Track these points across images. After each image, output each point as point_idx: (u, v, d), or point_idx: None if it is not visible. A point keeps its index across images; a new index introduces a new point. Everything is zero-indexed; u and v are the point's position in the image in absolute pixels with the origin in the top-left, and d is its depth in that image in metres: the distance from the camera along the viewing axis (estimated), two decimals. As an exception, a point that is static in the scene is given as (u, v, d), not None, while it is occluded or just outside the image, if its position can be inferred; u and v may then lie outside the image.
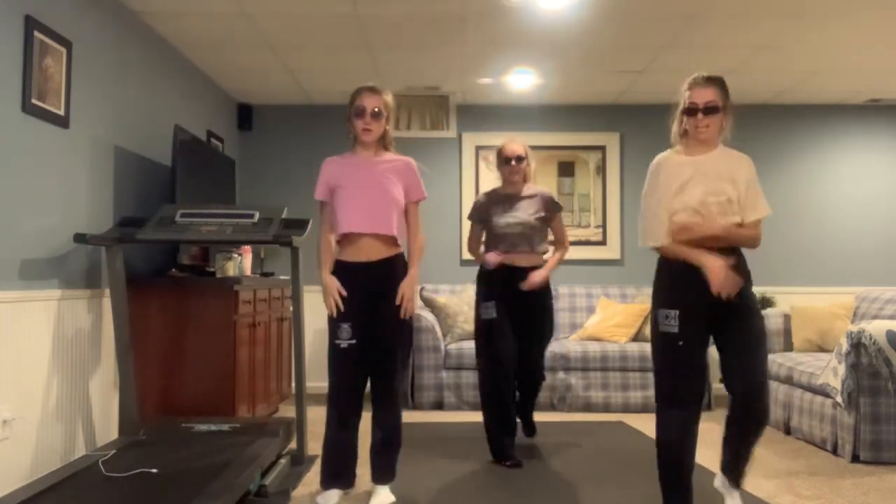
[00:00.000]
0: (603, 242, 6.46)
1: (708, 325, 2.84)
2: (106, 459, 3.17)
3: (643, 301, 5.75)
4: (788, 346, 5.11)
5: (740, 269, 2.84)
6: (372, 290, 3.13)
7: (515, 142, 4.03)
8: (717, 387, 3.46)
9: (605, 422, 5.04)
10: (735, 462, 2.93)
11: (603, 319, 5.79)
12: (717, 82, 2.84)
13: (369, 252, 3.14)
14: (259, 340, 4.65)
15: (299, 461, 3.74)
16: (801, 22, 4.47)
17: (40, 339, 3.36)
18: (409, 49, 5.03)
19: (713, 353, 2.98)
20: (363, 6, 4.24)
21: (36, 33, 3.31)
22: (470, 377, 5.41)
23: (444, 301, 5.75)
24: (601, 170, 6.50)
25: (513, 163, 3.98)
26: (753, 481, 3.54)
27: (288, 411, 5.10)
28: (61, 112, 3.54)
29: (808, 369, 4.41)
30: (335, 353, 3.13)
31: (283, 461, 3.68)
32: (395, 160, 3.24)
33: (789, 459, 4.00)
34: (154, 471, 3.00)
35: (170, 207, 3.85)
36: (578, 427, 4.82)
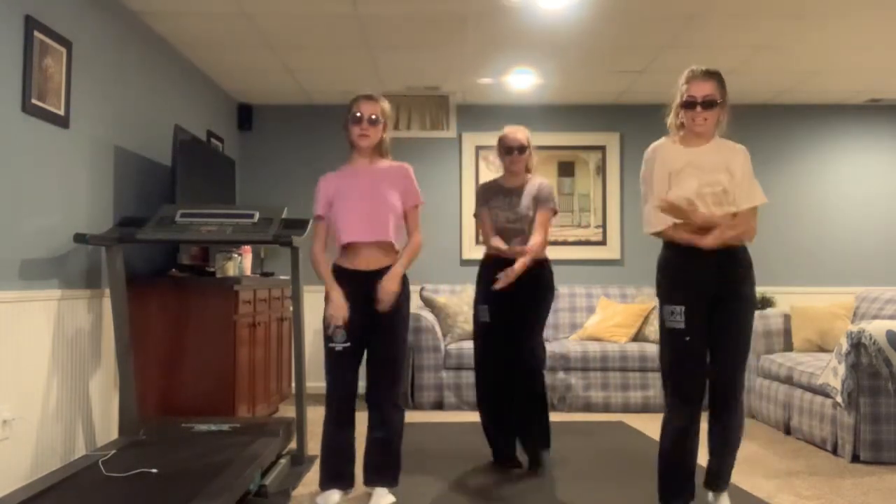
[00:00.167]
0: (603, 242, 6.46)
1: (707, 316, 2.86)
2: (106, 459, 3.17)
3: (643, 301, 5.75)
4: (788, 346, 5.11)
5: (742, 259, 2.86)
6: (369, 297, 3.14)
7: (518, 130, 3.84)
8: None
9: (605, 422, 5.04)
10: (719, 465, 2.93)
11: (603, 319, 5.79)
12: (715, 76, 2.86)
13: (369, 261, 3.16)
14: (259, 340, 4.65)
15: (299, 461, 3.74)
16: (801, 22, 4.47)
17: (40, 339, 3.36)
18: (409, 49, 5.03)
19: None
20: (363, 6, 4.24)
21: (36, 33, 3.31)
22: (470, 377, 5.39)
23: (444, 301, 5.75)
24: (601, 170, 6.50)
25: (514, 153, 3.80)
26: (753, 481, 3.54)
27: (288, 411, 5.10)
28: (61, 112, 3.54)
29: (808, 369, 4.41)
30: (330, 354, 3.16)
31: (283, 461, 3.68)
32: (391, 166, 3.26)
33: (789, 459, 4.00)
34: (154, 471, 3.00)
35: (170, 207, 3.85)
36: (578, 427, 4.82)
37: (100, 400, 3.88)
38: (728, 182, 2.83)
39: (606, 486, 3.48)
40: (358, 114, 3.16)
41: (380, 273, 3.15)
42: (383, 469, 3.19)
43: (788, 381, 4.64)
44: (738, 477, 3.54)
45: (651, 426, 4.75)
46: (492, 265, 3.75)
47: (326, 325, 3.16)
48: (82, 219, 3.75)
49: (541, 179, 3.91)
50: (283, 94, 6.16)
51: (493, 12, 4.32)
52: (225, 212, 3.77)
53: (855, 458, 3.91)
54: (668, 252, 2.93)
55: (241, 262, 4.62)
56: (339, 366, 3.15)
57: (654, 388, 5.37)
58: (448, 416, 5.19)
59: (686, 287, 2.83)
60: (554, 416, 5.06)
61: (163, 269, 4.50)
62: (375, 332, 3.16)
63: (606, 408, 5.41)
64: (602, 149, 6.50)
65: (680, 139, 2.92)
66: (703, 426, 2.90)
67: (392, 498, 3.15)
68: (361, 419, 3.21)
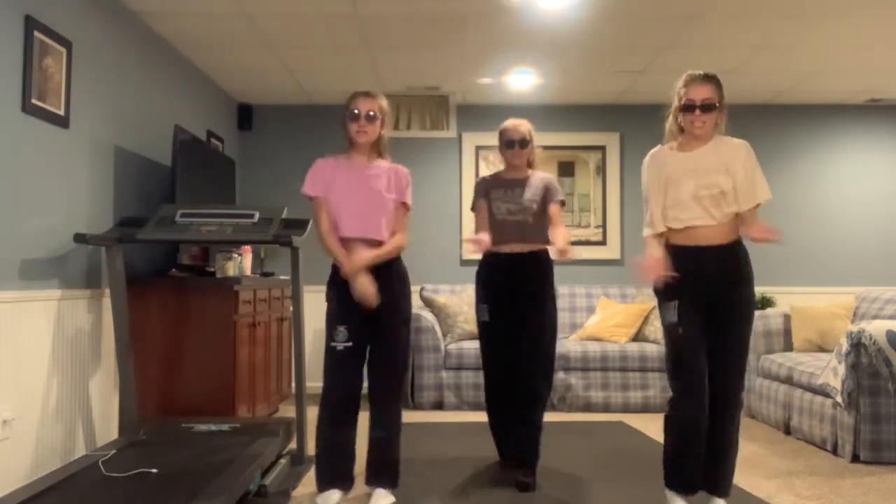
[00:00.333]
0: (603, 242, 6.46)
1: (706, 316, 2.87)
2: (106, 459, 3.17)
3: (643, 301, 5.75)
4: (788, 346, 5.11)
5: (741, 260, 2.87)
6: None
7: (520, 123, 3.69)
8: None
9: (605, 422, 5.04)
10: (719, 470, 2.92)
11: (603, 319, 5.79)
12: (713, 80, 2.89)
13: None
14: (259, 340, 4.65)
15: (299, 461, 3.74)
16: (801, 22, 4.47)
17: (40, 339, 3.36)
18: (409, 49, 5.03)
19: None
20: (363, 6, 4.24)
21: (36, 33, 3.31)
22: (470, 377, 5.41)
23: (444, 301, 5.75)
24: (601, 170, 6.51)
25: (516, 146, 3.65)
26: (753, 481, 3.54)
27: (288, 411, 5.10)
28: (61, 112, 3.54)
29: (808, 369, 4.41)
30: (332, 354, 3.14)
31: (283, 461, 3.68)
32: (390, 167, 3.26)
33: (789, 459, 4.00)
34: (154, 471, 3.00)
35: (170, 207, 3.85)
36: (578, 427, 4.82)
37: (100, 400, 3.88)
38: (726, 183, 2.84)
39: (606, 486, 3.48)
40: (356, 110, 3.15)
41: (375, 267, 3.14)
42: (383, 470, 3.18)
43: (788, 381, 4.64)
44: (738, 477, 3.54)
45: (651, 426, 4.75)
46: (491, 264, 3.67)
47: (328, 325, 3.16)
48: (82, 219, 3.75)
49: (545, 173, 3.78)
50: (283, 94, 6.16)
51: (493, 12, 4.32)
52: (225, 212, 3.77)
53: (855, 458, 3.91)
54: (667, 250, 2.95)
55: (241, 262, 4.62)
56: (340, 366, 3.13)
57: (654, 388, 5.37)
58: (448, 416, 5.19)
59: (682, 285, 2.85)
60: (554, 416, 5.08)
61: (163, 269, 4.50)
62: (375, 331, 3.16)
63: (606, 408, 5.42)
64: (602, 149, 6.51)
65: (678, 144, 2.95)
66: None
67: (392, 498, 3.15)
68: (363, 418, 3.21)
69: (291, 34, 4.71)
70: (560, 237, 3.46)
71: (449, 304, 5.73)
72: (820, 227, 6.47)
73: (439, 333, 5.56)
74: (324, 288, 3.22)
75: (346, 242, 3.15)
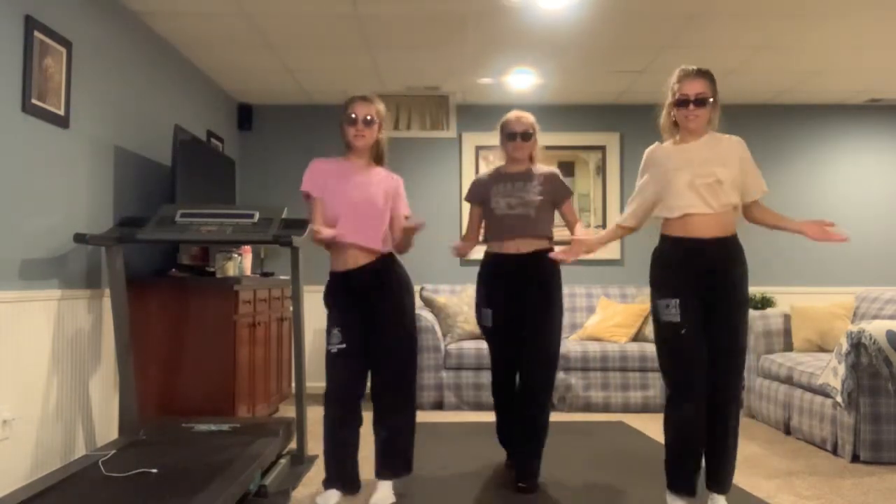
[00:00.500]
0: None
1: (703, 312, 2.89)
2: (106, 459, 3.17)
3: (643, 301, 5.75)
4: (788, 346, 5.11)
5: (736, 257, 2.88)
6: (362, 292, 3.15)
7: (523, 115, 3.54)
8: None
9: (605, 422, 5.04)
10: (719, 466, 2.92)
11: (603, 319, 5.79)
12: (706, 75, 2.93)
13: (357, 259, 3.17)
14: (259, 340, 4.65)
15: (299, 461, 3.74)
16: (801, 22, 4.47)
17: (40, 339, 3.37)
18: (409, 49, 5.03)
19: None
20: (363, 6, 4.24)
21: (36, 33, 3.31)
22: (470, 377, 5.41)
23: (444, 301, 5.75)
24: (601, 170, 6.51)
25: (518, 139, 3.49)
26: (753, 481, 3.54)
27: (288, 411, 5.10)
28: (61, 112, 3.54)
29: (808, 369, 4.41)
30: (328, 357, 3.18)
31: (283, 461, 3.68)
32: (385, 176, 3.26)
33: (789, 459, 4.00)
34: (154, 471, 3.00)
35: (170, 207, 3.85)
36: (578, 427, 4.82)
37: (100, 400, 3.88)
38: (722, 173, 2.86)
39: (606, 486, 3.48)
40: (353, 115, 3.16)
41: (368, 269, 3.15)
42: (388, 461, 3.20)
43: (788, 381, 4.64)
44: (738, 477, 3.54)
45: (651, 426, 4.75)
46: (491, 264, 3.56)
47: (326, 328, 3.18)
48: (82, 219, 3.75)
49: (549, 167, 3.63)
50: (283, 94, 6.16)
51: (493, 12, 4.32)
52: (225, 212, 3.77)
53: (855, 458, 3.91)
54: (663, 245, 2.97)
55: (241, 262, 4.62)
56: (337, 367, 3.15)
57: (654, 388, 5.37)
58: (448, 416, 5.19)
59: (680, 280, 2.86)
60: (554, 416, 5.06)
61: (163, 269, 4.50)
62: (374, 330, 3.16)
63: (606, 408, 5.41)
64: (602, 149, 6.51)
65: (673, 140, 2.98)
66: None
67: (392, 498, 3.16)
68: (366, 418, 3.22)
69: (291, 34, 4.71)
70: (583, 232, 3.35)
71: (449, 304, 5.73)
72: (820, 227, 6.47)
73: (439, 333, 5.56)
74: (322, 288, 3.23)
75: (343, 246, 3.16)
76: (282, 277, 5.40)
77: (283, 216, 3.76)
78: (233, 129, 6.27)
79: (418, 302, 5.87)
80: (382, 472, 3.20)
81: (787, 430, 4.60)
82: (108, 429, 3.93)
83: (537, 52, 5.06)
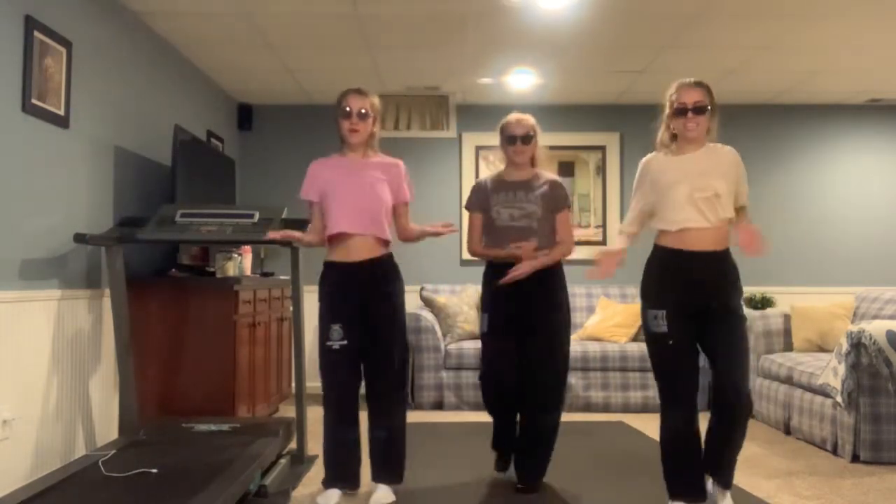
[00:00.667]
0: (603, 242, 6.45)
1: (695, 324, 2.88)
2: (106, 459, 3.17)
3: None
4: (788, 346, 5.11)
5: (728, 270, 2.89)
6: (364, 290, 3.14)
7: (523, 117, 3.41)
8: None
9: (605, 422, 5.04)
10: (720, 464, 2.93)
11: (603, 319, 5.79)
12: (703, 86, 2.94)
13: (360, 252, 3.15)
14: (259, 340, 4.65)
15: (299, 461, 3.75)
16: (801, 22, 4.47)
17: (40, 339, 3.36)
18: (409, 49, 5.03)
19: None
20: (363, 6, 4.24)
21: (36, 33, 3.31)
22: (470, 377, 5.41)
23: (444, 301, 5.75)
24: (601, 170, 6.51)
25: (518, 142, 3.36)
26: (753, 481, 3.54)
27: (288, 411, 5.10)
28: (61, 112, 3.54)
29: (808, 369, 4.41)
30: (327, 354, 3.13)
31: (283, 461, 3.68)
32: (384, 162, 3.26)
33: (789, 459, 4.00)
34: (154, 471, 3.00)
35: (170, 207, 3.85)
36: (578, 427, 4.82)
37: (100, 400, 3.88)
38: (720, 186, 2.86)
39: (606, 486, 3.48)
40: (347, 108, 3.15)
41: (372, 263, 3.15)
42: (386, 467, 3.19)
43: (788, 381, 4.64)
44: (738, 477, 3.54)
45: (651, 426, 4.74)
46: (493, 277, 3.37)
47: (322, 324, 3.15)
48: (82, 219, 3.75)
49: (551, 174, 3.51)
50: (283, 94, 6.15)
51: (493, 12, 4.32)
52: (225, 212, 3.77)
53: (855, 458, 3.91)
54: (655, 255, 2.97)
55: (241, 262, 4.62)
56: (337, 365, 3.13)
57: (654, 388, 5.29)
58: (448, 416, 5.19)
59: (670, 292, 2.87)
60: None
61: (163, 269, 4.50)
62: (370, 329, 3.15)
63: (606, 408, 5.41)
64: (602, 149, 6.51)
65: (672, 151, 2.97)
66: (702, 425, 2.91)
67: (392, 497, 3.15)
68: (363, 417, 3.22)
69: (291, 34, 4.71)
70: (557, 252, 3.33)
71: (449, 304, 5.72)
72: (820, 227, 6.47)
73: (439, 333, 5.56)
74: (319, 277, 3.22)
75: (346, 237, 3.14)
76: (282, 277, 5.39)
77: (283, 216, 3.76)
78: (233, 129, 6.27)
79: (418, 302, 5.87)
80: (383, 477, 3.18)
81: (787, 430, 4.60)
82: (108, 429, 3.93)
83: (537, 52, 5.06)
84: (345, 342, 3.11)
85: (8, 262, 3.16)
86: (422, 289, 5.91)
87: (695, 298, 2.85)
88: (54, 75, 3.47)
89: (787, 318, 5.18)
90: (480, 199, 3.47)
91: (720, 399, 2.85)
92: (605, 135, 6.50)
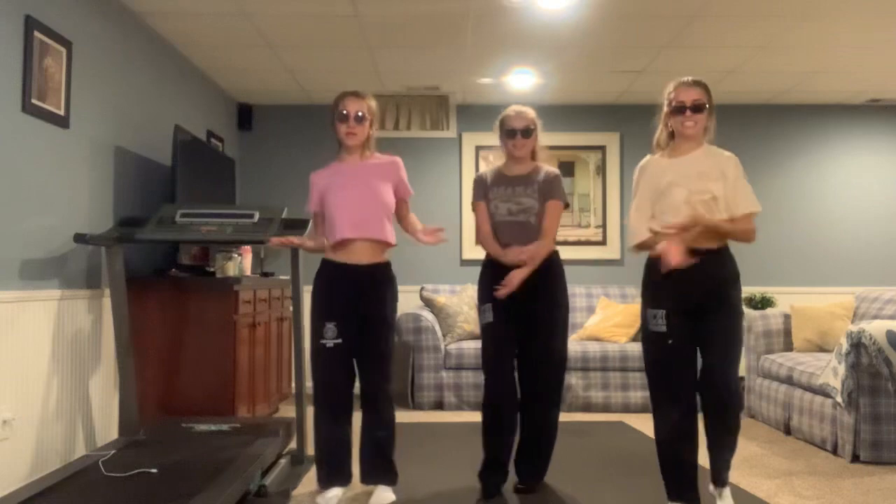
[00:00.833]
0: (603, 242, 6.46)
1: (693, 322, 2.88)
2: (106, 459, 3.17)
3: (643, 301, 5.75)
4: (788, 346, 5.11)
5: (728, 269, 2.88)
6: (359, 291, 3.15)
7: (523, 110, 3.34)
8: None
9: (605, 422, 5.04)
10: (715, 461, 2.93)
11: (603, 319, 5.79)
12: (702, 84, 2.92)
13: (361, 255, 3.16)
14: (259, 340, 4.65)
15: (299, 461, 3.74)
16: (801, 22, 4.47)
17: (40, 339, 3.37)
18: (409, 49, 5.03)
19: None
20: (363, 6, 4.24)
21: (36, 33, 3.31)
22: (470, 377, 5.41)
23: (444, 301, 5.75)
24: (601, 170, 6.51)
25: (518, 136, 3.29)
26: (753, 481, 3.54)
27: (288, 411, 5.10)
28: (61, 112, 3.54)
29: (808, 369, 4.41)
30: (320, 352, 3.13)
31: (283, 461, 3.68)
32: (382, 161, 3.26)
33: (789, 459, 4.00)
34: (154, 471, 3.00)
35: (170, 207, 3.85)
36: (578, 427, 4.82)
37: (100, 400, 3.88)
38: (718, 189, 2.85)
39: (606, 486, 3.48)
40: (344, 111, 3.15)
41: (372, 267, 3.16)
42: (384, 468, 3.19)
43: (788, 381, 4.64)
44: (738, 477, 3.55)
45: (651, 426, 4.74)
46: (491, 274, 3.33)
47: (315, 322, 3.15)
48: (82, 219, 3.75)
49: (551, 168, 3.41)
50: (283, 94, 6.16)
51: (493, 12, 4.32)
52: (225, 212, 3.77)
53: (855, 458, 3.91)
54: (655, 256, 2.95)
55: (241, 262, 4.62)
56: (331, 363, 3.13)
57: (654, 388, 5.36)
58: (448, 416, 5.19)
59: (669, 291, 2.86)
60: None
61: (163, 269, 4.50)
62: (363, 328, 3.16)
63: (606, 408, 5.41)
64: (602, 149, 6.51)
65: (669, 151, 2.96)
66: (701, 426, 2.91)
67: (392, 497, 3.16)
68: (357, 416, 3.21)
69: (291, 34, 4.71)
70: (536, 250, 3.21)
71: (449, 304, 5.72)
72: (820, 227, 6.48)
73: (439, 333, 5.56)
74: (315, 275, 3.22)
75: (348, 242, 3.15)
76: (282, 277, 5.40)
77: (283, 216, 3.76)
78: (233, 129, 6.27)
79: (418, 302, 5.88)
80: (379, 478, 3.18)
81: (787, 430, 4.60)
82: (108, 429, 3.93)
83: (537, 52, 5.06)
84: (339, 340, 3.11)
85: (8, 262, 3.16)
86: (422, 289, 5.91)
87: (694, 298, 2.85)
88: (54, 75, 3.47)
89: (787, 318, 5.18)
90: (482, 188, 3.44)
91: (707, 388, 2.86)
92: (605, 135, 6.50)
